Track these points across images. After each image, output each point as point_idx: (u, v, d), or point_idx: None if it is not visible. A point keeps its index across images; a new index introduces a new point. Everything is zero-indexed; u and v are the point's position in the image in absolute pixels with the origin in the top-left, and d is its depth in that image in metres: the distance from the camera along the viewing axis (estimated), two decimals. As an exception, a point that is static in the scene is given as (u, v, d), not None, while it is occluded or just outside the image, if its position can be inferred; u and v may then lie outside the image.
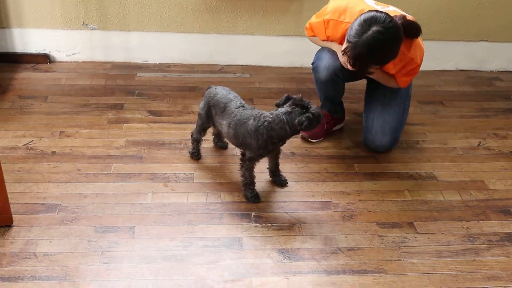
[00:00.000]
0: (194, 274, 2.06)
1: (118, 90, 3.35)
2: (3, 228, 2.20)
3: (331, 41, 2.68)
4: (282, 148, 2.51)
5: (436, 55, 3.79)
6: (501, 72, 3.90)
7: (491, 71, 3.90)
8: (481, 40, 3.79)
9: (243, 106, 2.43)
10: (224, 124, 2.45)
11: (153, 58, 3.71)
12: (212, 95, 2.53)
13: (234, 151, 2.78)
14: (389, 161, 2.81)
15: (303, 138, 2.91)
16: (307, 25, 2.79)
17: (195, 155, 2.71)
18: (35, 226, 2.23)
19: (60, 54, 3.65)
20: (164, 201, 2.42)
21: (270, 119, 2.30)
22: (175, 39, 3.65)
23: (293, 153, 2.81)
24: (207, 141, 2.81)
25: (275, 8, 3.58)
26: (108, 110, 3.12)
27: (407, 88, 2.78)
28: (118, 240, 2.19)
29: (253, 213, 2.38)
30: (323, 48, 2.78)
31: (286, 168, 2.65)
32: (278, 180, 2.57)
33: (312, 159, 2.78)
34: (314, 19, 2.73)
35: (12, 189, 2.39)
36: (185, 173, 2.61)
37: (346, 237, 2.28)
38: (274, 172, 2.57)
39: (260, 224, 2.33)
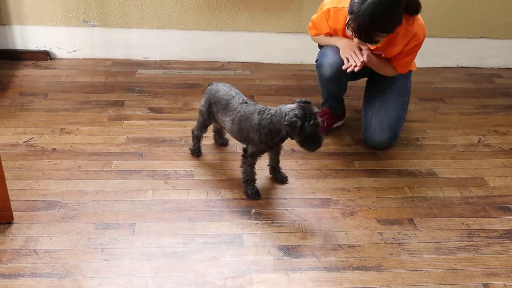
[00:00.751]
0: (195, 270, 2.06)
1: (118, 87, 3.35)
2: (4, 225, 2.20)
3: (335, 34, 2.67)
4: (282, 145, 2.51)
5: (436, 52, 3.79)
6: (501, 69, 3.90)
7: (492, 68, 3.90)
8: (482, 37, 3.79)
9: (246, 102, 2.43)
10: (227, 121, 2.45)
11: (154, 55, 3.71)
12: (213, 92, 2.53)
13: (235, 148, 2.78)
14: (389, 158, 2.82)
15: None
16: (310, 24, 2.79)
17: (196, 152, 2.71)
18: (36, 223, 2.23)
19: (60, 51, 3.65)
20: (165, 198, 2.43)
21: (273, 113, 2.30)
22: (175, 36, 3.65)
23: (293, 150, 2.81)
24: (208, 138, 2.81)
25: (275, 5, 3.58)
26: (108, 107, 3.12)
27: (406, 83, 2.79)
28: (118, 237, 2.19)
29: (253, 210, 2.39)
30: (327, 45, 2.78)
31: (286, 165, 2.65)
32: (278, 177, 2.57)
33: (312, 156, 2.78)
34: (314, 15, 2.74)
35: (12, 186, 2.39)
36: (185, 170, 2.62)
37: (346, 233, 2.28)
38: (275, 169, 2.57)
39: (261, 221, 2.33)
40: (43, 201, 2.36)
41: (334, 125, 3.01)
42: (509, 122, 3.22)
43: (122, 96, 3.24)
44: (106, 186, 2.47)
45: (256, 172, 2.47)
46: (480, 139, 3.02)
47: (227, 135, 2.79)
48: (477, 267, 2.15)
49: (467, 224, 2.38)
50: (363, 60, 2.53)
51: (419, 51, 2.65)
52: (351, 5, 2.36)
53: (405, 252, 2.20)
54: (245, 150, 2.42)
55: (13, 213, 2.23)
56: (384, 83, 2.75)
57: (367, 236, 2.28)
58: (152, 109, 3.12)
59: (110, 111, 3.08)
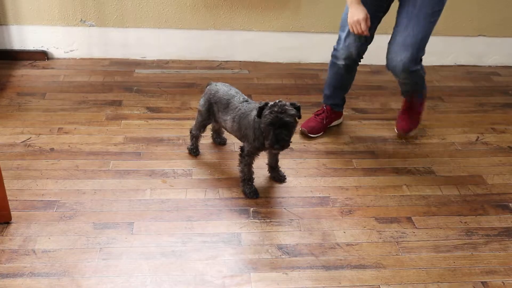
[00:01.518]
0: (193, 269, 2.06)
1: (116, 87, 3.35)
2: (2, 225, 2.20)
3: None
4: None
5: (434, 50, 3.77)
6: (499, 67, 3.90)
7: (490, 66, 3.90)
8: (480, 35, 3.79)
9: (247, 101, 2.44)
10: (228, 120, 2.45)
11: (151, 54, 3.71)
12: (213, 92, 2.52)
13: (233, 147, 2.78)
14: (388, 156, 2.82)
15: (302, 133, 2.91)
16: None
17: (194, 151, 2.71)
18: (34, 222, 2.23)
19: (58, 51, 3.64)
20: (163, 197, 2.43)
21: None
22: (173, 36, 3.65)
23: (291, 149, 2.80)
24: (206, 137, 2.81)
25: (273, 4, 3.58)
26: (106, 106, 3.11)
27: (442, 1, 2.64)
28: (116, 236, 2.19)
29: (251, 209, 2.39)
30: (343, 29, 2.72)
31: (284, 163, 2.65)
32: (276, 176, 2.57)
33: (310, 155, 2.78)
34: None
35: (10, 186, 2.39)
36: (183, 169, 2.61)
37: (344, 232, 2.28)
38: (274, 168, 2.57)
39: (259, 219, 2.33)
40: (41, 200, 2.36)
41: (332, 124, 3.01)
42: (507, 120, 3.22)
43: (120, 96, 3.24)
44: (104, 185, 2.47)
45: (254, 171, 2.47)
46: (478, 137, 3.02)
47: (226, 134, 2.79)
48: (475, 265, 2.15)
49: (466, 222, 2.38)
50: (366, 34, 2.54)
51: None
52: None
53: (404, 250, 2.20)
54: (242, 149, 2.42)
55: (11, 213, 2.22)
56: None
57: (365, 235, 2.28)
58: (150, 109, 3.12)
59: (108, 110, 3.07)
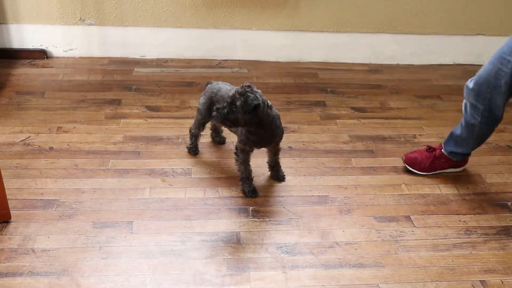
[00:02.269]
0: (192, 268, 2.06)
1: (115, 86, 3.35)
2: (1, 224, 2.20)
3: None
4: (281, 144, 2.51)
5: (433, 49, 3.79)
6: (498, 66, 3.90)
7: (488, 65, 3.90)
8: (478, 34, 3.79)
9: None
10: None
11: (151, 53, 3.71)
12: (215, 90, 2.52)
13: (232, 146, 2.78)
14: (386, 155, 2.82)
15: (407, 170, 2.68)
16: None
17: (193, 150, 2.71)
18: (33, 222, 2.23)
19: (57, 49, 3.64)
20: (162, 196, 2.43)
21: None
22: (172, 34, 3.65)
23: (290, 148, 2.81)
24: (205, 136, 2.81)
25: (272, 3, 3.57)
26: (105, 105, 3.12)
27: None
28: (116, 236, 2.19)
29: (250, 208, 2.39)
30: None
31: (283, 162, 2.65)
32: (276, 175, 2.57)
33: (309, 154, 2.78)
34: None
35: (9, 185, 2.39)
36: (183, 168, 2.62)
37: (343, 231, 2.29)
38: (273, 166, 2.57)
39: (258, 218, 2.33)
40: (41, 200, 2.36)
41: (447, 171, 2.68)
42: (506, 119, 3.21)
43: (119, 95, 3.24)
44: (104, 184, 2.47)
45: (253, 170, 2.47)
46: (477, 136, 3.02)
47: (224, 133, 2.80)
48: (474, 264, 2.15)
49: (464, 221, 2.38)
50: None
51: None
52: None
53: (403, 249, 2.21)
54: (236, 147, 2.42)
55: (11, 212, 2.23)
56: None
57: (364, 234, 2.28)
58: (149, 108, 3.12)
59: (107, 109, 3.07)
